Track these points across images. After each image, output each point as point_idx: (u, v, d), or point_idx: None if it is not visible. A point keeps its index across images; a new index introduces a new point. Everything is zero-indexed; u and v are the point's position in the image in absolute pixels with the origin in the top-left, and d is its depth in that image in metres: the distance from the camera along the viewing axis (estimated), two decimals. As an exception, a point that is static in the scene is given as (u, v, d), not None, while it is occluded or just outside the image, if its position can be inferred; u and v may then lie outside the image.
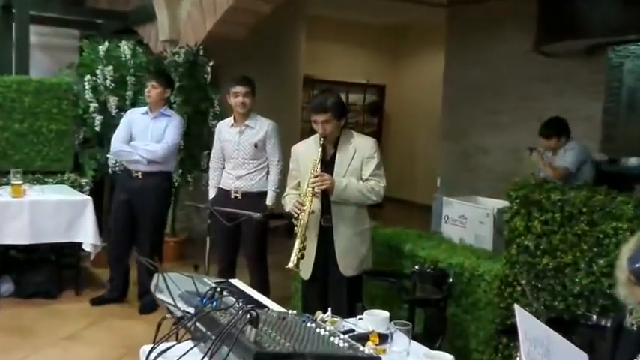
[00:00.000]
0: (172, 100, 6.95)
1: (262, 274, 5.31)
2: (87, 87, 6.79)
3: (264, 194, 5.21)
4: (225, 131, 5.32)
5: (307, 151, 4.10)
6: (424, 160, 12.23)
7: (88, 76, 6.81)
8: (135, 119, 5.70)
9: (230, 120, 5.31)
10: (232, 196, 5.21)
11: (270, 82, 8.55)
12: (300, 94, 10.63)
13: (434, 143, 10.58)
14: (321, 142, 3.95)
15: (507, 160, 8.24)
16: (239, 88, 5.15)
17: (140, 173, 5.61)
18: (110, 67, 6.79)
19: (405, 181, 12.26)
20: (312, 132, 4.11)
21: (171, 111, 5.86)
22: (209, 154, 7.17)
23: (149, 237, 5.67)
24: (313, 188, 3.88)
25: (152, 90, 5.61)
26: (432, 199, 5.02)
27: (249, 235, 5.22)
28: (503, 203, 3.98)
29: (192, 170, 7.34)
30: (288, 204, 4.09)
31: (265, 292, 4.57)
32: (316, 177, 3.88)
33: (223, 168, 5.37)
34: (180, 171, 7.13)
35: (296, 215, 3.94)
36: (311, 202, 3.88)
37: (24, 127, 6.73)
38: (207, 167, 7.24)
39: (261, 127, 5.22)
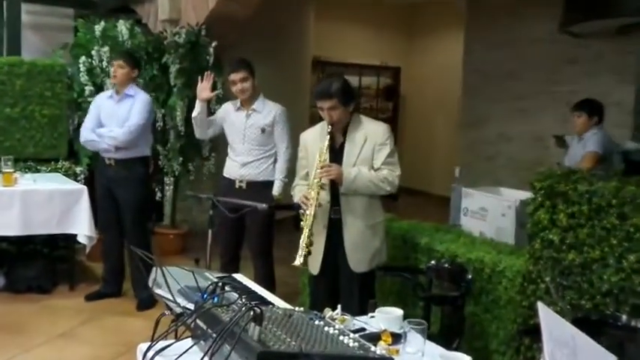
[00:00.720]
0: (172, 84, 6.95)
1: (268, 269, 5.32)
2: (82, 69, 6.80)
3: (270, 184, 5.21)
4: (231, 114, 5.33)
5: (315, 139, 4.08)
6: (442, 148, 12.20)
7: (83, 58, 6.82)
8: (102, 105, 5.75)
9: (236, 103, 5.32)
10: (237, 186, 5.23)
11: (277, 65, 8.54)
12: (309, 77, 10.61)
13: (452, 130, 10.55)
14: (329, 130, 3.94)
15: (531, 148, 8.21)
16: (233, 76, 5.18)
17: (113, 161, 5.67)
18: (106, 48, 6.80)
19: (421, 170, 12.24)
20: (322, 118, 4.09)
21: (137, 89, 5.79)
22: (211, 141, 7.22)
23: (133, 227, 5.73)
24: (320, 179, 3.87)
25: (118, 70, 5.64)
26: (450, 190, 5.00)
27: (254, 228, 5.23)
28: (527, 194, 3.96)
29: (193, 158, 7.35)
30: (297, 195, 4.09)
31: (271, 288, 4.58)
32: (323, 167, 3.87)
33: (211, 130, 5.41)
34: (181, 159, 7.15)
35: (303, 210, 3.93)
36: (318, 194, 3.88)
37: (15, 111, 6.74)
38: (209, 156, 7.32)
39: (269, 111, 5.22)
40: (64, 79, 6.91)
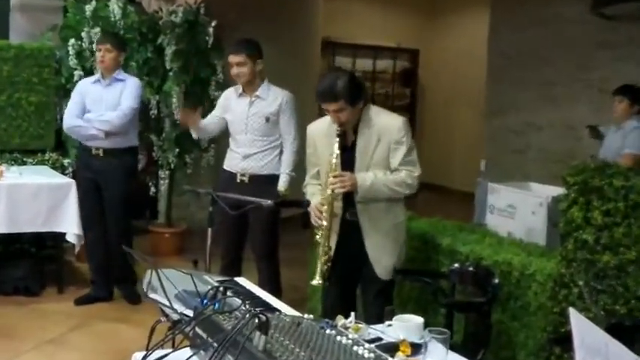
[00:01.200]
0: (168, 67, 6.95)
1: (273, 272, 5.31)
2: (71, 52, 6.81)
3: (275, 178, 5.20)
4: (232, 100, 5.32)
5: (324, 134, 4.02)
6: (465, 139, 12.17)
7: (72, 40, 6.82)
8: (87, 90, 5.78)
9: (238, 88, 5.30)
10: (238, 180, 5.21)
11: (282, 47, 8.52)
12: (319, 60, 10.61)
13: (477, 119, 10.52)
14: (338, 132, 3.86)
15: (563, 138, 8.18)
16: (231, 58, 5.17)
17: (101, 150, 5.71)
18: (97, 29, 6.80)
19: (442, 163, 12.22)
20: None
21: (126, 74, 5.90)
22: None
23: (118, 224, 5.79)
24: (333, 190, 3.84)
25: (106, 54, 5.69)
26: (474, 185, 4.99)
27: (258, 227, 5.22)
28: (559, 190, 3.94)
29: (190, 149, 7.35)
30: (311, 199, 4.07)
31: (276, 293, 4.57)
32: (335, 177, 3.83)
33: (214, 125, 5.41)
34: (177, 150, 7.15)
35: (317, 225, 3.93)
36: (332, 206, 3.87)
37: (2, 99, 6.76)
38: (208, 147, 7.32)
39: (274, 98, 5.20)
40: (52, 64, 6.93)
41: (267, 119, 5.17)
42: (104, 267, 5.94)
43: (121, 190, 5.74)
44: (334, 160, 3.83)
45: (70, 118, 5.74)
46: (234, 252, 5.32)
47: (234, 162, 5.26)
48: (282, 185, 5.19)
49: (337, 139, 3.85)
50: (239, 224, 5.16)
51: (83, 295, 5.90)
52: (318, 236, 3.90)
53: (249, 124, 5.20)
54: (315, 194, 4.05)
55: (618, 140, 5.81)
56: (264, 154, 5.21)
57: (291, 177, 5.18)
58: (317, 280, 3.86)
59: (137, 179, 6.17)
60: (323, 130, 4.06)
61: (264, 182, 5.16)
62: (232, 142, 5.33)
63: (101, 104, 5.69)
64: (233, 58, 5.14)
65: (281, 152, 5.25)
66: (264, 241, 5.28)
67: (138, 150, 6.02)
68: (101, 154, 5.69)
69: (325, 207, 3.86)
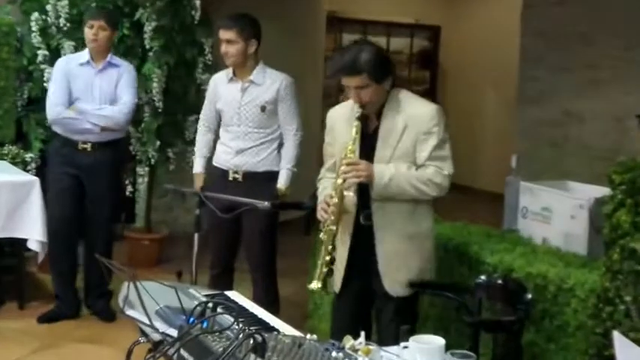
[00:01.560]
0: (148, 46, 6.96)
1: (270, 284, 5.32)
2: (34, 28, 6.82)
3: (274, 175, 5.21)
4: (222, 87, 5.33)
5: (345, 119, 3.97)
6: (493, 131, 12.17)
7: (35, 14, 6.83)
8: (73, 72, 5.77)
9: (228, 72, 5.31)
10: (231, 177, 5.21)
11: (281, 23, 8.52)
12: (323, 39, 10.60)
13: (507, 107, 10.52)
14: (358, 114, 3.82)
15: (608, 131, 8.17)
16: (221, 34, 5.18)
17: (89, 145, 5.73)
18: (65, 2, 6.81)
19: (466, 159, 12.16)
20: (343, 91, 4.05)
21: (118, 58, 5.93)
22: (197, 120, 7.20)
23: (105, 227, 5.86)
24: (344, 180, 3.80)
25: (100, 33, 5.70)
26: (504, 185, 4.99)
27: (253, 232, 5.22)
28: (603, 190, 3.94)
29: (173, 142, 7.36)
30: (320, 195, 4.06)
31: (274, 309, 4.59)
32: (348, 164, 3.78)
33: (216, 133, 5.41)
34: (158, 143, 7.15)
35: (322, 220, 3.90)
36: (342, 198, 3.82)
37: (-48, 83, 6.79)
38: (194, 139, 7.32)
39: (270, 83, 5.20)
40: (11, 42, 6.93)
41: (263, 108, 5.17)
42: (71, 278, 5.96)
43: (112, 191, 5.83)
44: (350, 146, 3.79)
45: (56, 107, 5.70)
46: (225, 261, 5.34)
47: (226, 157, 5.26)
48: (282, 182, 5.19)
49: (356, 123, 3.80)
50: (231, 229, 5.17)
51: (47, 312, 5.92)
52: (322, 234, 3.86)
53: (242, 114, 5.21)
54: (327, 189, 4.00)
55: None
56: (260, 148, 5.21)
57: (293, 173, 5.19)
58: (315, 285, 3.81)
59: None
60: (344, 115, 4.01)
61: (261, 180, 5.17)
62: (223, 134, 5.34)
63: (93, 93, 5.72)
64: (223, 34, 5.15)
65: (280, 146, 5.26)
66: (259, 249, 5.27)
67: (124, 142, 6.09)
68: (89, 149, 5.72)
69: (335, 200, 3.81)
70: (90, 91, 5.72)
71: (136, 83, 5.90)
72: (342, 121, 4.02)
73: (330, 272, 3.85)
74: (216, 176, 5.29)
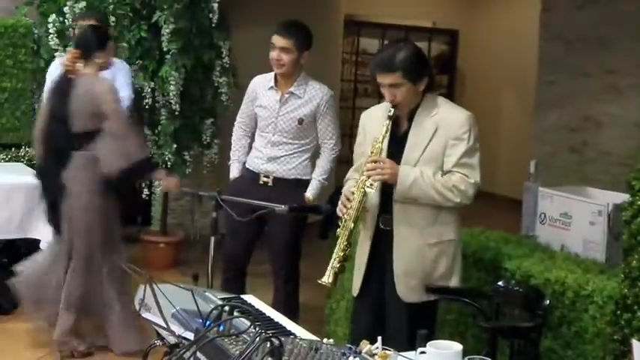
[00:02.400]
0: (165, 49, 6.97)
1: (292, 291, 5.28)
2: (51, 30, 6.84)
3: (303, 183, 5.18)
4: (262, 91, 5.28)
5: (378, 119, 3.96)
6: (511, 136, 12.14)
7: (53, 16, 6.85)
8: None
9: (270, 78, 5.26)
10: (261, 181, 5.20)
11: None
12: (341, 42, 10.61)
13: (525, 112, 10.49)
14: (390, 113, 3.83)
15: (628, 137, 8.13)
16: (275, 39, 5.11)
17: None
18: (83, 4, 6.82)
19: (484, 164, 12.07)
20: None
21: (114, 58, 5.95)
22: (214, 123, 7.23)
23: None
24: (368, 178, 3.79)
25: None
26: (522, 191, 4.98)
27: (278, 236, 5.19)
28: (623, 197, 3.93)
29: (190, 145, 7.37)
30: (343, 195, 4.03)
31: (294, 317, 4.56)
32: (374, 162, 3.80)
33: (251, 138, 5.38)
34: (175, 146, 7.17)
35: (341, 215, 3.89)
36: (363, 196, 3.81)
37: (-30, 85, 6.84)
38: (211, 142, 7.35)
39: (311, 96, 5.16)
40: (29, 44, 6.97)
41: (301, 121, 5.14)
42: None
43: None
44: (378, 144, 3.81)
45: None
46: (240, 265, 5.32)
47: (257, 162, 5.24)
48: (311, 192, 5.18)
49: (387, 122, 3.81)
50: (249, 233, 5.16)
51: None
52: (338, 229, 3.85)
53: (278, 124, 5.18)
54: (351, 188, 3.97)
55: None
56: (291, 157, 5.19)
57: (323, 185, 5.18)
58: (326, 279, 3.79)
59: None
60: (377, 115, 4.03)
61: (291, 187, 5.15)
62: (258, 137, 5.30)
63: None
64: (279, 41, 5.09)
65: (312, 156, 5.23)
66: (284, 255, 5.24)
67: None
68: None
69: (355, 196, 3.80)
70: None
71: (130, 79, 5.96)
72: (373, 120, 4.04)
73: (342, 268, 3.82)
74: (247, 178, 5.26)
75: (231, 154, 5.49)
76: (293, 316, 4.50)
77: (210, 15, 7.10)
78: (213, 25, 7.12)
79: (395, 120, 3.87)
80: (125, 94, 5.74)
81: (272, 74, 5.23)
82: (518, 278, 4.10)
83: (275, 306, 3.85)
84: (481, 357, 2.59)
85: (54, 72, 5.82)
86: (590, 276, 3.97)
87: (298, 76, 5.17)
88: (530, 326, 3.84)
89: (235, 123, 5.52)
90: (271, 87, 5.20)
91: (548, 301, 3.88)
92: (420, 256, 3.92)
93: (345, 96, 11.17)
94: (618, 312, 3.54)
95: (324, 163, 5.22)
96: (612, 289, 3.72)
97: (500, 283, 4.05)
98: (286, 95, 5.16)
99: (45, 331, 5.68)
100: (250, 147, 5.39)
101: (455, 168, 3.85)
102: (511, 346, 3.92)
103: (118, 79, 5.75)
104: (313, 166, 5.27)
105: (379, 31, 12.47)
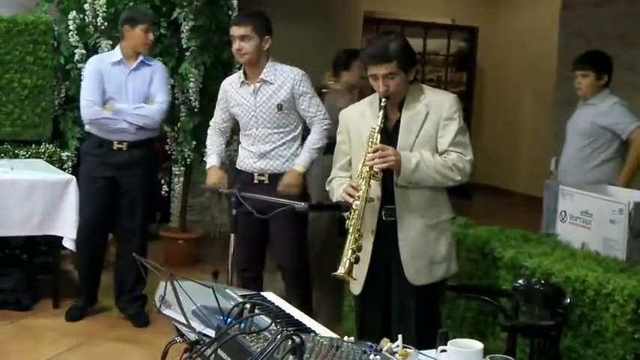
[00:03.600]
0: (185, 46, 6.98)
1: (304, 291, 5.25)
2: (72, 27, 6.86)
3: (303, 176, 5.17)
4: (233, 92, 5.28)
5: (360, 118, 4.06)
6: (531, 133, 12.10)
7: (73, 13, 6.88)
8: (106, 72, 5.81)
9: (239, 76, 5.27)
10: (256, 180, 5.19)
11: (317, 23, 8.54)
12: (360, 39, 10.59)
13: (546, 110, 10.46)
14: (383, 104, 3.87)
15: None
16: (233, 30, 5.14)
17: (125, 144, 5.77)
18: (102, 0, 6.84)
19: (504, 162, 12.17)
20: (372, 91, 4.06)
21: (150, 57, 6.03)
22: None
23: (142, 226, 5.90)
24: (371, 167, 3.81)
25: (150, 37, 5.84)
26: (542, 188, 4.97)
27: (285, 234, 5.16)
28: (644, 195, 3.92)
29: (210, 142, 7.38)
30: (337, 192, 4.05)
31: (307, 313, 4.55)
32: (375, 151, 3.81)
33: (228, 136, 5.49)
34: (194, 142, 7.18)
35: (349, 205, 3.90)
36: (368, 185, 3.81)
37: (-10, 81, 6.85)
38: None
39: (283, 80, 5.14)
40: (49, 40, 6.99)
41: (280, 107, 5.11)
42: (94, 280, 6.02)
43: (148, 189, 5.92)
44: (375, 135, 3.83)
45: (91, 108, 5.73)
46: (258, 264, 5.31)
47: (249, 162, 5.23)
48: (300, 163, 5.14)
49: (381, 112, 3.86)
50: (260, 231, 5.14)
51: (72, 307, 5.97)
52: (347, 222, 3.82)
53: (258, 116, 5.16)
54: (343, 185, 3.99)
55: (591, 114, 5.90)
56: (283, 148, 5.17)
57: (313, 157, 5.15)
58: (341, 271, 3.74)
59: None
60: (358, 111, 4.12)
61: None
62: (243, 139, 5.29)
63: (127, 92, 5.77)
64: (236, 30, 5.10)
65: (303, 142, 5.22)
66: (294, 253, 5.22)
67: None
68: (125, 148, 5.77)
69: (362, 187, 3.80)
70: (123, 90, 5.76)
71: (168, 81, 5.99)
72: (356, 115, 4.12)
73: (357, 259, 3.81)
74: (242, 179, 5.23)
75: (207, 150, 5.49)
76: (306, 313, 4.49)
77: (230, 12, 7.11)
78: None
79: (385, 112, 3.89)
80: (162, 97, 5.80)
81: (241, 72, 5.25)
82: (539, 276, 4.10)
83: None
84: (503, 355, 2.58)
85: (97, 65, 5.84)
86: (610, 274, 3.96)
87: (266, 63, 5.15)
88: (551, 325, 3.82)
89: (209, 127, 5.52)
90: (242, 82, 5.21)
91: (568, 300, 3.86)
92: (423, 238, 3.98)
93: (366, 93, 11.17)
94: (639, 311, 3.54)
95: (313, 135, 5.19)
96: (633, 288, 3.72)
97: (520, 281, 4.04)
98: (258, 84, 5.14)
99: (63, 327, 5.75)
100: (223, 142, 5.44)
101: (450, 147, 3.92)
102: (531, 345, 3.91)
103: (154, 80, 5.81)
104: None
105: (398, 29, 12.42)
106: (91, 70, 5.86)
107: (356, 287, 4.09)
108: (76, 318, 5.88)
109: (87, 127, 5.94)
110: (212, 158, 5.40)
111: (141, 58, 5.81)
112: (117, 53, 5.85)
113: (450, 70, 13.45)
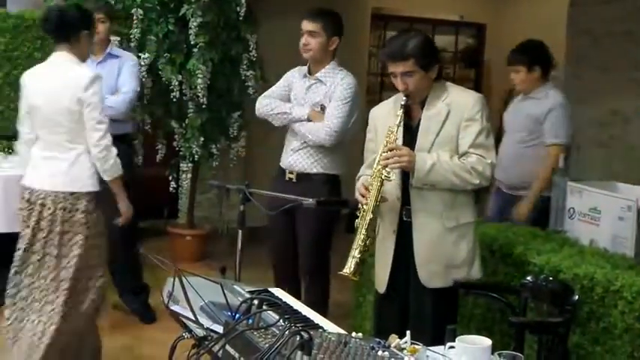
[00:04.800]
0: (193, 42, 6.98)
1: (322, 292, 5.20)
2: (79, 23, 6.87)
3: (329, 179, 5.08)
4: (295, 81, 5.24)
5: (387, 116, 4.00)
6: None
7: (80, 9, 6.88)
8: None
9: (304, 69, 5.22)
10: (287, 177, 5.15)
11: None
12: (367, 35, 10.60)
13: (552, 107, 10.43)
14: (403, 103, 3.85)
15: (657, 131, 8.09)
16: (304, 24, 5.07)
17: None
18: (110, -4, 6.86)
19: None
20: (388, 88, 4.05)
21: (119, 49, 6.07)
22: (241, 117, 7.23)
23: (130, 225, 5.81)
24: (384, 167, 3.80)
25: (99, 26, 5.69)
26: (552, 185, 4.96)
27: (305, 234, 5.11)
28: (653, 192, 3.91)
29: (217, 138, 7.39)
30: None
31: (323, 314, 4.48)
32: (390, 150, 3.80)
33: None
34: (202, 139, 7.19)
35: (361, 203, 3.89)
36: (380, 185, 3.82)
37: (-3, 77, 6.86)
38: (238, 135, 7.35)
39: (333, 82, 5.07)
40: (56, 36, 6.99)
41: (323, 108, 5.05)
42: None
43: (128, 181, 5.79)
44: (393, 135, 3.81)
45: None
46: (284, 263, 5.25)
47: (285, 156, 5.19)
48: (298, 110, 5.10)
49: (400, 111, 3.83)
50: (286, 231, 5.12)
51: None
52: (357, 220, 3.84)
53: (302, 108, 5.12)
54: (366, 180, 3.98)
55: (532, 108, 5.78)
56: (314, 148, 5.07)
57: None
58: (347, 270, 3.76)
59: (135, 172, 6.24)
60: (386, 110, 4.07)
61: (314, 183, 5.04)
62: (289, 131, 5.22)
63: None
64: (306, 25, 5.06)
65: (340, 150, 5.12)
66: (313, 253, 5.15)
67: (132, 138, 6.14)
68: None
69: (373, 185, 3.80)
70: None
71: (137, 72, 5.98)
72: (384, 114, 4.06)
73: (363, 260, 3.82)
74: (277, 176, 5.21)
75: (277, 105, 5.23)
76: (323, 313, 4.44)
77: (238, 8, 7.10)
78: (241, 18, 7.12)
79: (408, 110, 3.90)
80: (128, 87, 5.78)
81: (307, 65, 5.20)
82: (547, 273, 4.09)
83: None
84: (511, 352, 2.57)
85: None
86: (619, 271, 3.96)
87: (328, 64, 5.11)
88: (559, 321, 3.82)
89: (264, 96, 5.33)
90: (304, 75, 5.17)
91: (576, 297, 3.86)
92: (441, 241, 3.94)
93: (372, 90, 11.15)
94: (648, 308, 3.54)
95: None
96: (642, 285, 3.71)
97: (528, 278, 4.03)
98: (312, 82, 5.12)
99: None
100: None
101: (471, 149, 3.86)
102: (539, 342, 3.90)
103: (122, 71, 5.80)
104: (343, 161, 5.15)
105: (406, 25, 12.39)
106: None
107: (380, 286, 4.10)
108: None
109: None
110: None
111: (108, 50, 5.84)
112: None
113: (457, 67, 13.43)
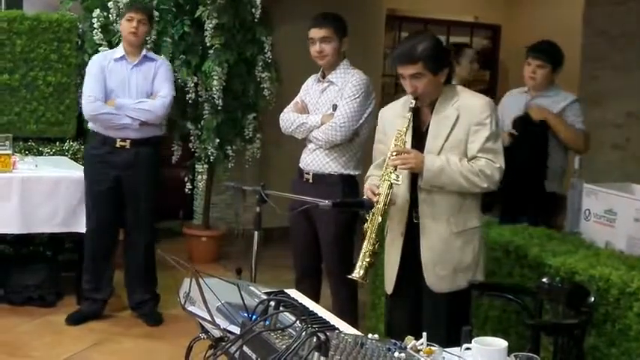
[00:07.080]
0: (208, 44, 7.00)
1: (351, 296, 5.12)
2: (96, 25, 6.90)
3: (344, 179, 5.04)
4: (309, 86, 5.28)
5: (395, 118, 4.00)
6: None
7: (97, 11, 6.91)
8: (109, 68, 5.77)
9: (319, 74, 5.24)
10: (304, 178, 5.14)
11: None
12: (382, 36, 10.58)
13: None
14: (412, 105, 3.85)
15: (673, 133, 8.07)
16: (313, 32, 5.06)
17: (129, 142, 5.71)
18: (126, -1, 6.88)
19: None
20: (403, 90, 4.05)
21: (153, 54, 6.04)
22: (256, 118, 7.26)
23: (149, 226, 5.88)
24: (394, 169, 3.80)
25: (140, 27, 5.70)
26: (569, 187, 4.95)
27: (327, 236, 5.08)
28: (669, 194, 3.90)
29: (233, 140, 7.40)
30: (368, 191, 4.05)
31: (352, 320, 4.43)
32: (398, 153, 3.80)
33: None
34: (218, 140, 7.20)
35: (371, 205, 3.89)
36: (389, 188, 3.82)
37: (14, 78, 6.90)
38: (253, 137, 7.37)
39: (344, 82, 5.07)
40: (73, 38, 7.03)
41: (335, 107, 5.04)
42: (105, 281, 5.94)
43: (153, 188, 5.82)
44: (402, 137, 3.81)
45: (93, 103, 5.67)
46: (304, 266, 5.24)
47: (303, 156, 5.19)
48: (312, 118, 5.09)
49: (409, 114, 3.83)
50: (308, 233, 5.11)
51: (75, 311, 5.93)
52: (366, 224, 3.84)
53: (318, 112, 5.12)
54: (374, 180, 4.00)
55: (547, 104, 5.76)
56: (331, 149, 5.04)
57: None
58: (356, 273, 3.76)
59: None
60: (395, 111, 4.06)
61: (328, 184, 5.02)
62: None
63: (129, 88, 5.74)
64: (317, 32, 5.05)
65: (356, 151, 5.10)
66: (335, 255, 5.10)
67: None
68: (128, 146, 5.70)
69: (382, 188, 3.80)
70: (126, 86, 5.73)
71: (172, 77, 5.95)
72: (393, 116, 4.05)
73: (372, 263, 3.81)
74: (297, 176, 5.21)
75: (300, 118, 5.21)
76: (352, 320, 4.36)
77: (253, 10, 7.11)
78: (256, 20, 7.14)
79: (417, 114, 3.90)
80: (165, 92, 5.73)
81: (320, 72, 5.20)
82: (563, 275, 4.08)
83: (333, 310, 3.81)
84: (527, 354, 2.57)
85: (100, 62, 5.82)
86: (635, 273, 3.94)
87: (339, 66, 5.11)
88: (575, 323, 3.81)
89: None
90: (318, 80, 5.19)
91: (592, 298, 3.85)
92: (448, 245, 3.94)
93: (387, 91, 11.14)
94: (664, 310, 3.53)
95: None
96: (658, 287, 3.70)
97: (544, 279, 4.01)
98: (325, 84, 5.12)
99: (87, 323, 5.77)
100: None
101: (479, 153, 3.84)
102: (555, 344, 3.90)
103: (158, 75, 5.77)
104: (359, 161, 5.13)
105: (421, 26, 12.39)
106: (92, 66, 5.83)
107: (388, 287, 4.11)
108: (78, 322, 5.83)
109: (90, 125, 5.91)
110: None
111: (144, 53, 5.81)
112: (120, 50, 5.85)
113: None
